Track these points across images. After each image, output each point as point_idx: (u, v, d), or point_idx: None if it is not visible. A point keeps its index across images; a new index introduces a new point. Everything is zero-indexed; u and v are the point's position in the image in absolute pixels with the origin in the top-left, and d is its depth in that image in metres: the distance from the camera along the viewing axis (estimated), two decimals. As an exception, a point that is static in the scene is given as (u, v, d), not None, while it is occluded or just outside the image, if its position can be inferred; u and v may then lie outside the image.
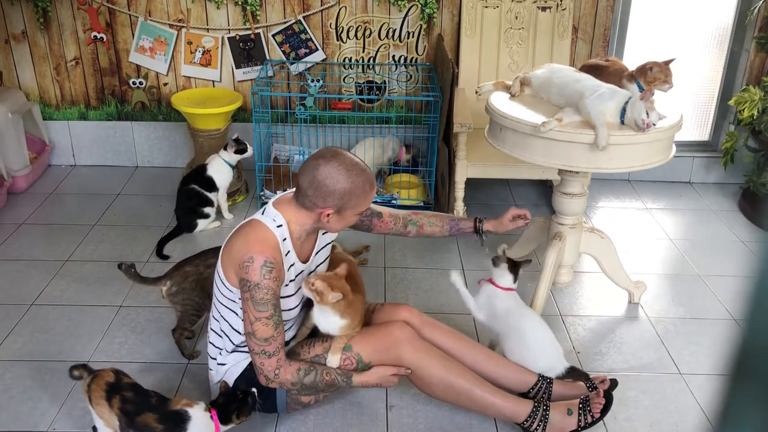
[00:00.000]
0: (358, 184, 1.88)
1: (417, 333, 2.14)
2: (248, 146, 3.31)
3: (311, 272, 2.08)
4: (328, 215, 1.91)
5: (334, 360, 2.04)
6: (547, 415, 2.05)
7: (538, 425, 2.05)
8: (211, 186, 3.25)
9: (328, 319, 2.02)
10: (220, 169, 3.26)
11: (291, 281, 1.98)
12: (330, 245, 2.19)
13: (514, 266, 2.32)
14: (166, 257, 3.03)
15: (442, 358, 2.09)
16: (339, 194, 1.87)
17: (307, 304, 2.28)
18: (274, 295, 1.88)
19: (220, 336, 2.09)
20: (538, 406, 2.07)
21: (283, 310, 1.98)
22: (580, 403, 2.07)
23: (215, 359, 2.13)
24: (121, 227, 3.32)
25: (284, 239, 1.93)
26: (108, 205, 3.53)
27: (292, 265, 1.97)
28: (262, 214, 1.96)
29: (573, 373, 2.21)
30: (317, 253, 2.10)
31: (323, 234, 2.09)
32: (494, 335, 2.36)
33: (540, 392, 2.17)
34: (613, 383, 2.15)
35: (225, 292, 1.98)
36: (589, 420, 2.05)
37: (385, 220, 2.24)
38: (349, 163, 1.89)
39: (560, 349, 2.27)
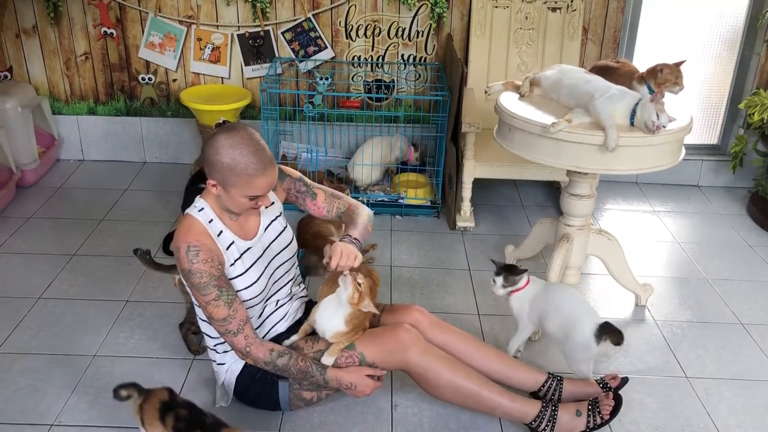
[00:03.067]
0: (241, 163, 1.81)
1: (426, 334, 2.14)
2: None
3: (267, 248, 2.06)
4: (214, 186, 1.89)
5: (328, 360, 2.04)
6: (556, 415, 2.05)
7: (547, 425, 2.05)
8: None
9: (331, 319, 2.01)
10: None
11: (237, 260, 1.97)
12: (279, 218, 2.13)
13: (512, 269, 2.36)
14: (172, 253, 3.03)
15: (448, 360, 2.08)
16: (219, 167, 1.83)
17: (309, 302, 2.28)
18: (212, 277, 1.88)
19: (206, 335, 2.11)
20: (546, 406, 2.06)
21: (241, 290, 1.98)
22: (589, 404, 2.07)
23: (215, 360, 2.14)
24: (128, 222, 3.33)
25: (210, 221, 1.94)
26: (116, 200, 3.54)
27: (231, 243, 1.96)
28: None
29: (606, 328, 2.19)
30: (266, 229, 2.08)
31: (266, 208, 2.06)
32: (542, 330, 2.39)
33: (550, 391, 2.16)
34: (623, 381, 2.16)
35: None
36: (599, 421, 2.04)
37: (319, 204, 2.15)
38: (240, 140, 1.82)
39: (590, 308, 2.28)
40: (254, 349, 1.96)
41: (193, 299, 2.00)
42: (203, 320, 2.06)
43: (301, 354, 2.04)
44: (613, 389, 2.14)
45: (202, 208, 1.96)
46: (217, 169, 1.84)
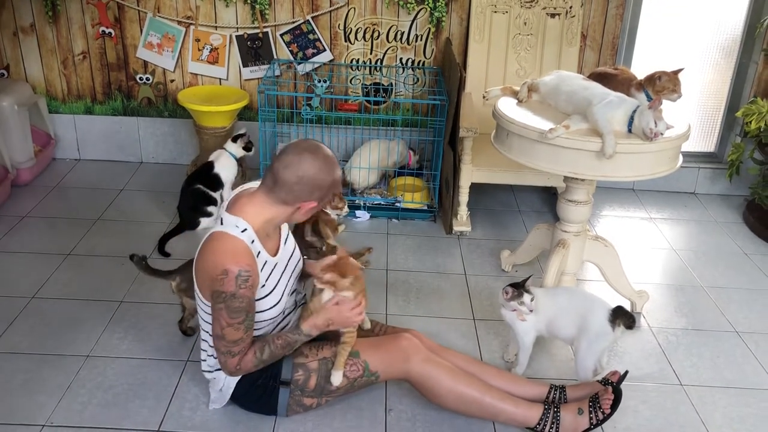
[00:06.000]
0: (337, 176, 1.92)
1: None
2: (253, 147, 3.39)
3: (288, 261, 2.07)
4: (311, 208, 1.91)
5: (336, 377, 2.04)
6: (558, 416, 2.06)
7: (551, 428, 2.05)
8: (217, 184, 3.24)
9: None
10: (227, 164, 3.28)
11: (267, 278, 1.97)
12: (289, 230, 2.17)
13: (522, 285, 2.29)
14: (167, 254, 3.03)
15: (450, 368, 2.09)
16: (326, 187, 1.89)
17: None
18: (249, 302, 1.88)
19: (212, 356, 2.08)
20: (548, 409, 2.07)
21: (262, 311, 1.98)
22: (589, 401, 2.08)
23: (211, 370, 2.10)
24: (123, 222, 3.32)
25: (252, 242, 1.90)
26: (111, 200, 3.53)
27: (265, 263, 1.96)
28: (221, 224, 1.91)
29: (618, 312, 2.21)
30: (285, 242, 2.09)
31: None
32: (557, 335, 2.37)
33: (554, 402, 2.17)
34: (624, 374, 2.16)
35: (208, 310, 1.97)
36: (600, 417, 2.05)
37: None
38: (330, 156, 1.91)
39: (598, 298, 2.30)
40: (243, 363, 1.95)
41: (208, 313, 1.96)
42: (206, 329, 2.03)
43: (275, 336, 2.00)
44: (614, 384, 2.15)
45: (245, 229, 1.89)
46: (325, 188, 1.89)
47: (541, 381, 2.27)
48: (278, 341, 1.98)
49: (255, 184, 2.01)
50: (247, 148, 3.33)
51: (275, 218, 1.94)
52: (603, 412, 2.05)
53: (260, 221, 1.91)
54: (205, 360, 2.12)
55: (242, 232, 1.88)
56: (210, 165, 3.26)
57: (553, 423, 2.06)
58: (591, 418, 2.05)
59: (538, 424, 2.06)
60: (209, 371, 2.12)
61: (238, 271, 1.83)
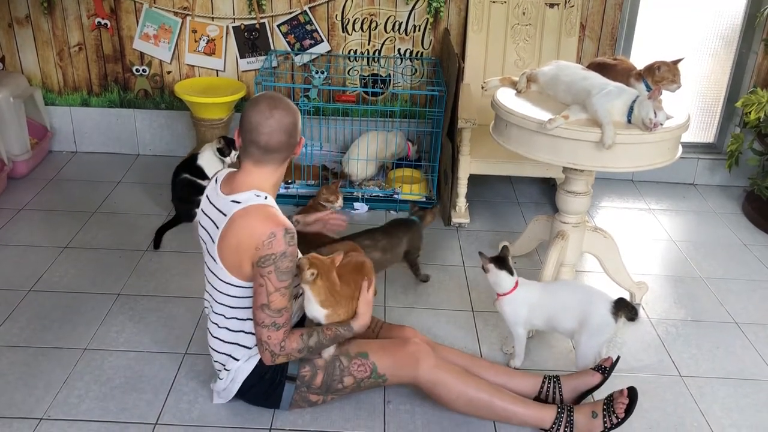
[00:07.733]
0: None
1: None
2: (232, 152, 3.16)
3: None
4: (302, 144, 1.98)
5: (326, 352, 2.03)
6: (572, 418, 2.04)
7: (564, 431, 2.04)
8: (203, 175, 3.20)
9: (310, 305, 1.98)
10: (211, 159, 3.19)
11: None
12: None
13: (502, 262, 2.30)
14: (157, 247, 3.01)
15: (458, 373, 2.08)
16: (299, 120, 1.94)
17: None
18: (294, 262, 1.88)
19: (233, 344, 2.04)
20: (562, 411, 2.05)
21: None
22: (604, 404, 2.06)
23: (233, 357, 2.06)
24: (120, 215, 3.30)
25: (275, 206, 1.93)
26: (108, 192, 3.52)
27: None
28: (239, 203, 1.88)
29: (620, 303, 2.20)
30: None
31: None
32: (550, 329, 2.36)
33: (550, 392, 2.16)
34: (616, 360, 2.17)
35: (244, 293, 1.95)
36: (615, 421, 2.02)
37: None
38: (283, 96, 1.95)
39: (599, 290, 2.29)
40: (288, 342, 1.91)
41: (236, 296, 1.95)
42: (234, 318, 2.00)
43: (324, 327, 1.99)
44: (607, 369, 2.15)
45: (267, 196, 1.92)
46: (299, 121, 1.93)
47: (534, 373, 2.26)
48: (328, 332, 1.96)
49: (226, 170, 2.05)
50: (220, 151, 3.16)
51: (280, 179, 1.98)
52: (617, 417, 2.02)
53: (269, 188, 1.94)
54: (216, 351, 2.07)
55: (265, 199, 1.90)
56: (195, 156, 3.23)
57: (567, 426, 2.03)
58: (605, 422, 2.03)
59: (552, 426, 2.04)
60: (222, 364, 2.08)
61: (285, 229, 1.84)
